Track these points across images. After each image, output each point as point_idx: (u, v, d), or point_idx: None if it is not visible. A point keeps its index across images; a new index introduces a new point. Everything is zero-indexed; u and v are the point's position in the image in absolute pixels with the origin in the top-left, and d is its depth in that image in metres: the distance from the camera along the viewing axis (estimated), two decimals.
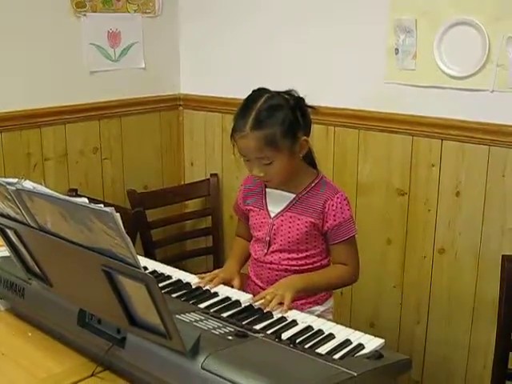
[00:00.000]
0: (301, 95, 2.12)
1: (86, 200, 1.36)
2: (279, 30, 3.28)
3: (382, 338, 1.66)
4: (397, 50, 2.83)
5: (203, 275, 2.08)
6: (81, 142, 3.41)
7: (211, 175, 3.74)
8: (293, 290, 1.93)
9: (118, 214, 1.27)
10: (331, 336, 1.66)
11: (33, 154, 3.22)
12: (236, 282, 2.10)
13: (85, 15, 3.31)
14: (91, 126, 3.44)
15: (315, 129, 3.01)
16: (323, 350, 1.57)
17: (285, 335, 1.64)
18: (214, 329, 1.54)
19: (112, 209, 1.27)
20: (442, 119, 2.77)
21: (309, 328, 1.71)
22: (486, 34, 2.56)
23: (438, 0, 2.69)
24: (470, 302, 2.84)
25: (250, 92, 2.13)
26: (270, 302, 1.86)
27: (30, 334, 1.83)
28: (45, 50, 3.18)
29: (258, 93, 2.11)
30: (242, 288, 2.11)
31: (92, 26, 3.35)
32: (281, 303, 1.86)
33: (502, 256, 2.28)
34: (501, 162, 2.64)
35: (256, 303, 1.88)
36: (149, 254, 3.27)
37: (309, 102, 2.13)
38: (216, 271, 2.12)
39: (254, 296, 1.94)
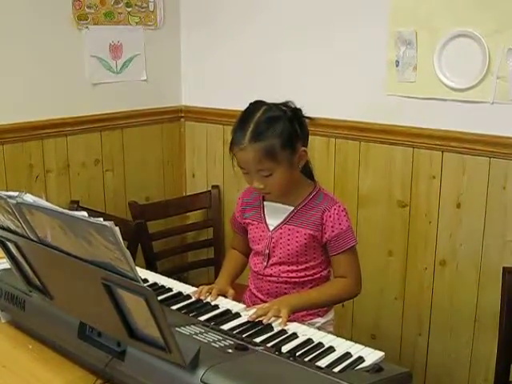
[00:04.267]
0: (298, 106, 2.13)
1: (86, 214, 1.37)
2: (280, 43, 3.29)
3: (383, 349, 1.66)
4: (397, 62, 2.84)
5: (198, 291, 2.07)
6: (82, 154, 3.42)
7: (212, 187, 3.75)
8: (288, 306, 1.92)
9: (117, 228, 1.27)
10: (331, 349, 1.66)
11: (35, 166, 3.22)
12: (230, 293, 2.10)
13: (87, 28, 3.33)
14: (93, 137, 3.45)
15: (316, 140, 3.03)
16: (323, 363, 1.57)
17: (285, 348, 1.64)
18: (214, 342, 1.54)
19: (111, 223, 1.27)
20: (443, 131, 2.77)
21: (309, 341, 1.71)
22: (486, 46, 2.57)
23: (438, 12, 2.70)
24: (472, 314, 2.84)
25: (248, 105, 2.15)
26: (264, 314, 1.86)
27: (30, 347, 1.83)
28: (47, 62, 3.19)
29: (256, 105, 2.12)
30: (241, 298, 2.13)
31: (94, 38, 3.37)
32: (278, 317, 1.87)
33: (503, 268, 2.28)
34: (501, 174, 2.65)
35: (249, 314, 1.88)
36: (150, 266, 3.27)
37: (310, 113, 2.14)
38: (210, 286, 2.11)
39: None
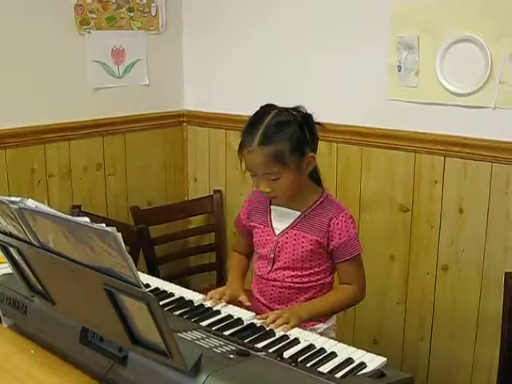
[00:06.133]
0: (308, 112, 2.13)
1: (88, 220, 1.36)
2: (283, 48, 3.29)
3: (385, 354, 1.66)
4: (399, 67, 2.84)
5: (211, 294, 2.07)
6: (85, 159, 3.43)
7: (215, 191, 3.75)
8: (298, 317, 1.92)
9: (119, 234, 1.27)
10: (333, 354, 1.65)
11: (37, 171, 3.23)
12: (243, 297, 2.10)
13: (89, 32, 3.33)
14: (95, 142, 3.46)
15: (318, 145, 3.03)
16: (325, 368, 1.57)
17: (287, 354, 1.64)
18: (216, 347, 1.55)
19: (114, 229, 1.27)
20: (445, 136, 2.77)
21: (311, 346, 1.71)
22: (489, 51, 2.57)
23: (440, 17, 2.70)
24: (474, 319, 2.83)
25: (258, 108, 2.14)
26: (274, 321, 1.86)
27: (32, 351, 1.83)
28: (49, 66, 3.20)
29: (266, 109, 2.11)
30: (250, 301, 2.13)
31: (96, 43, 3.38)
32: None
33: (505, 273, 2.27)
34: (503, 179, 2.64)
35: (259, 321, 1.87)
36: (152, 271, 3.27)
37: (315, 119, 2.14)
38: (222, 289, 2.11)
39: (257, 313, 1.94)
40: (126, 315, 1.42)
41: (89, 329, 1.65)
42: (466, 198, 2.77)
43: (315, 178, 2.24)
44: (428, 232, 2.91)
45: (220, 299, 2.03)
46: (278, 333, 1.80)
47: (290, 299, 2.19)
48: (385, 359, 1.64)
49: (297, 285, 2.18)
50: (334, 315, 2.26)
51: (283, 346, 1.71)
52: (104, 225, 1.30)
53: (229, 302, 2.04)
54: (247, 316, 1.91)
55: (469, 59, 2.64)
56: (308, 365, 1.58)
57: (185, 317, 1.90)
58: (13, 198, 1.58)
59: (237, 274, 2.33)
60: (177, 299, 2.04)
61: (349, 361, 1.62)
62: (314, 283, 2.18)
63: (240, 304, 2.10)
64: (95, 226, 1.32)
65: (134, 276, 1.32)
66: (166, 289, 2.12)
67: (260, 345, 1.70)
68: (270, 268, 2.21)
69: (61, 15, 3.20)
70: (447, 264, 2.87)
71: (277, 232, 2.20)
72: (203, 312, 1.95)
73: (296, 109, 2.11)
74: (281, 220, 2.20)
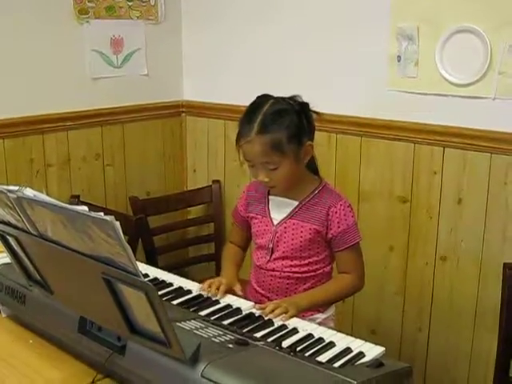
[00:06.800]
0: (305, 101, 2.13)
1: (86, 208, 1.36)
2: (282, 38, 3.28)
3: (383, 344, 1.66)
4: (399, 57, 2.84)
5: (207, 284, 2.06)
6: (83, 149, 3.42)
7: (213, 182, 3.75)
8: (296, 307, 1.92)
9: (117, 223, 1.27)
10: (332, 344, 1.66)
11: (35, 161, 3.22)
12: (238, 287, 2.10)
13: (88, 22, 3.32)
14: (94, 132, 3.45)
15: (317, 135, 3.00)
16: (323, 358, 1.57)
17: (285, 343, 1.64)
18: (215, 337, 1.54)
19: (112, 217, 1.26)
20: (444, 126, 2.77)
21: (309, 336, 1.71)
22: (488, 42, 2.56)
23: (439, 7, 2.69)
24: (472, 310, 2.84)
25: (255, 98, 2.15)
26: (273, 311, 1.86)
27: (30, 341, 1.83)
28: (47, 56, 3.19)
29: (263, 98, 2.12)
30: (244, 293, 2.13)
31: (95, 32, 3.36)
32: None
33: (504, 264, 2.27)
34: (502, 170, 2.64)
35: (258, 311, 1.88)
36: (151, 261, 3.27)
37: (312, 108, 2.14)
38: (218, 278, 2.11)
39: (256, 303, 1.94)
40: (124, 305, 1.42)
41: (87, 318, 1.65)
42: (465, 188, 2.76)
43: (312, 167, 2.24)
44: (427, 222, 2.91)
45: (217, 289, 2.03)
46: (277, 322, 1.80)
47: (289, 289, 2.19)
48: (383, 349, 1.64)
49: (295, 275, 2.18)
50: (333, 305, 2.26)
51: (282, 336, 1.71)
52: (102, 213, 1.30)
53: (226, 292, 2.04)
54: (246, 306, 1.91)
55: (468, 50, 2.63)
56: (306, 354, 1.59)
57: (183, 306, 1.90)
58: (11, 187, 1.58)
59: (231, 263, 2.32)
60: (175, 289, 2.04)
61: (347, 350, 1.62)
62: (313, 273, 2.19)
63: (235, 292, 2.10)
64: (93, 214, 1.31)
65: (133, 265, 1.31)
66: (165, 278, 2.12)
67: (259, 334, 1.70)
68: (268, 258, 2.22)
69: (59, 4, 3.19)
70: (446, 254, 2.87)
71: (275, 222, 2.20)
72: (202, 302, 1.95)
73: (292, 98, 2.12)
74: (279, 210, 2.20)
